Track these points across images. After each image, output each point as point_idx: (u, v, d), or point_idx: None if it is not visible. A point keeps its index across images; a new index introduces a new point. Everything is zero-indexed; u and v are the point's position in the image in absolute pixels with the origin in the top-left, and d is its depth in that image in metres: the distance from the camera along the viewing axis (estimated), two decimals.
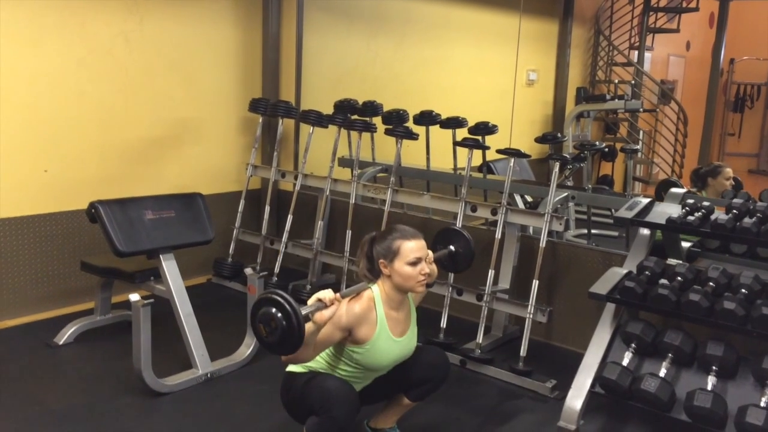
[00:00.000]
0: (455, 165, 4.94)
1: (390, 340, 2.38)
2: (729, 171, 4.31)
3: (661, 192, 4.27)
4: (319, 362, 2.42)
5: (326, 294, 2.15)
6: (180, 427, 2.93)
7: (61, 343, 3.67)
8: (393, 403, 2.67)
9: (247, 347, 3.54)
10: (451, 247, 2.72)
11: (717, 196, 4.27)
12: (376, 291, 2.38)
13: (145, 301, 2.99)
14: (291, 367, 2.46)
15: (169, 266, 3.41)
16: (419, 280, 2.33)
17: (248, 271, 3.52)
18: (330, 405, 2.23)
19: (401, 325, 2.43)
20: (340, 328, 2.26)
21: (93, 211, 3.27)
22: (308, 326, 2.11)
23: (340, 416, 2.23)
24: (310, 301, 2.16)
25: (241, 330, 3.60)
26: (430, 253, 2.43)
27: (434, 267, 2.50)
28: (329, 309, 2.13)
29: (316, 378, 2.36)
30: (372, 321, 2.33)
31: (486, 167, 5.05)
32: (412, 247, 2.32)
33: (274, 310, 2.04)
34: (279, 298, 2.04)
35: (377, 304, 2.36)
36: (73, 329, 3.71)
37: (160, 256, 3.39)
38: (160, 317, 3.28)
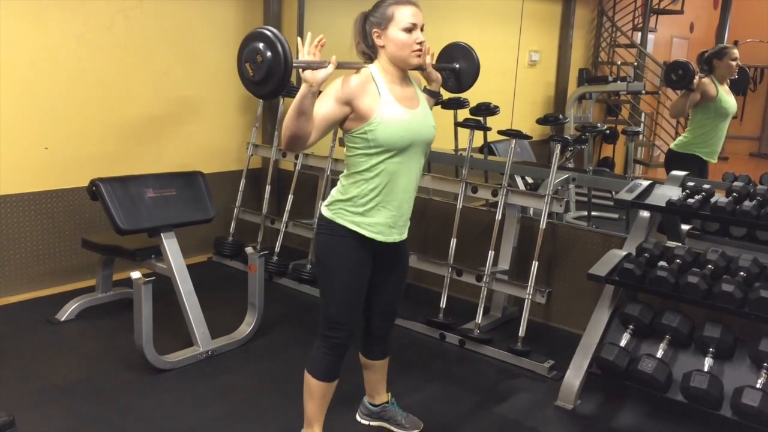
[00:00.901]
0: (456, 146, 4.94)
1: (398, 108, 2.22)
2: (735, 52, 4.22)
3: (670, 75, 4.24)
4: (348, 189, 2.30)
5: (315, 40, 2.06)
6: (180, 404, 2.96)
7: (62, 319, 3.69)
8: (370, 373, 2.70)
9: (248, 325, 3.56)
10: (456, 65, 2.63)
11: (724, 79, 4.24)
12: (374, 68, 2.28)
13: (147, 279, 3.01)
14: (324, 211, 2.36)
15: (170, 244, 3.42)
16: (414, 49, 2.24)
17: (249, 250, 3.54)
18: (334, 325, 2.34)
19: (409, 101, 2.29)
20: (337, 99, 2.14)
21: (94, 188, 3.28)
22: (301, 90, 2.02)
23: (342, 336, 2.35)
24: (301, 56, 2.05)
25: (242, 308, 3.62)
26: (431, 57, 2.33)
27: (438, 75, 2.43)
28: (322, 70, 2.02)
29: (339, 278, 2.31)
30: (373, 92, 2.20)
31: (487, 148, 5.05)
32: (407, 12, 2.22)
33: (260, 45, 1.95)
34: (265, 31, 1.95)
35: (376, 77, 2.24)
36: (74, 306, 3.74)
37: (161, 234, 3.39)
38: (161, 295, 3.30)
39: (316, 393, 2.43)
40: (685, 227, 3.42)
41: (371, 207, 2.29)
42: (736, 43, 10.65)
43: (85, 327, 3.66)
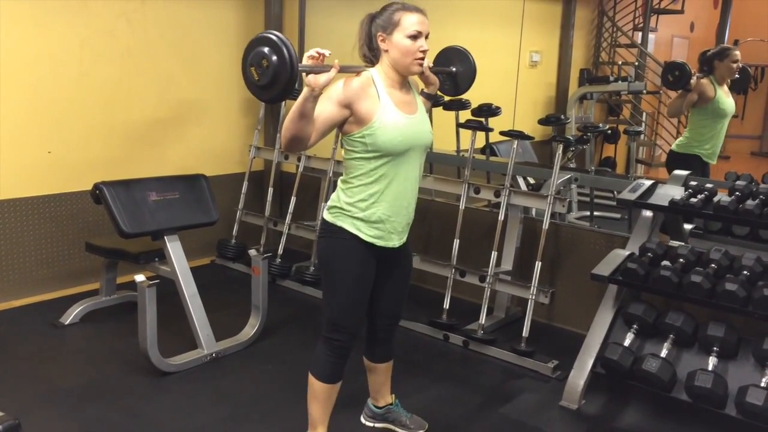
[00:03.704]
0: (458, 147, 4.95)
1: (397, 113, 2.24)
2: (736, 53, 4.22)
3: (667, 76, 4.24)
4: (347, 193, 2.32)
5: (318, 49, 2.05)
6: (185, 406, 2.96)
7: (66, 323, 3.69)
8: (374, 376, 2.70)
9: (252, 328, 3.57)
10: (453, 69, 2.63)
11: (724, 80, 4.25)
12: (375, 71, 2.28)
13: (151, 282, 3.01)
14: (326, 214, 2.38)
15: (174, 247, 3.42)
16: (417, 56, 2.25)
17: (252, 252, 3.54)
18: (336, 328, 2.35)
19: (407, 106, 2.31)
20: (338, 102, 2.16)
21: (98, 192, 3.28)
22: (303, 93, 2.04)
23: (344, 339, 2.36)
24: (304, 60, 2.06)
25: (245, 311, 3.62)
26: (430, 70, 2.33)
27: (435, 78, 2.44)
28: (325, 75, 2.04)
29: (341, 280, 2.33)
30: (372, 96, 2.22)
31: (489, 149, 5.06)
32: (414, 19, 2.22)
33: (266, 49, 1.96)
34: (271, 36, 1.96)
35: (376, 81, 2.25)
36: (78, 309, 3.74)
37: (165, 237, 3.40)
38: (165, 298, 3.30)
39: (320, 395, 2.44)
40: (687, 226, 3.42)
41: (371, 212, 2.30)
42: (736, 42, 10.66)
43: (90, 330, 3.67)
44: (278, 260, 4.49)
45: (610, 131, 7.57)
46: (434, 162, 4.84)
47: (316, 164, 4.53)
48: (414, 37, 2.22)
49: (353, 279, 2.35)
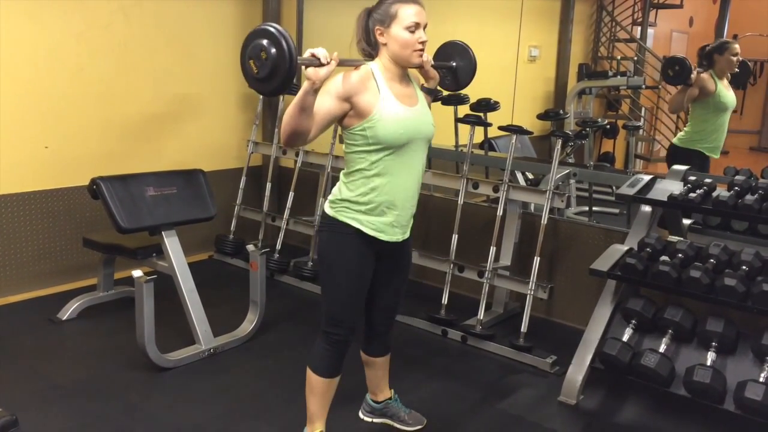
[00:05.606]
0: (457, 142, 4.93)
1: (397, 105, 2.23)
2: (736, 47, 4.23)
3: (667, 71, 4.24)
4: (349, 187, 2.29)
5: (321, 50, 2.03)
6: (183, 402, 2.96)
7: (64, 318, 3.69)
8: (371, 370, 2.69)
9: (250, 323, 3.56)
10: (453, 63, 2.63)
11: (723, 74, 4.25)
12: (374, 65, 2.27)
13: (148, 278, 3.00)
14: (327, 208, 2.35)
15: (171, 243, 3.41)
16: (416, 48, 2.24)
17: (250, 247, 3.54)
18: (335, 322, 2.34)
19: (408, 98, 2.30)
20: (337, 96, 2.15)
21: (95, 187, 3.27)
22: (304, 87, 2.02)
23: (343, 333, 2.36)
24: (305, 55, 2.03)
25: (244, 306, 3.62)
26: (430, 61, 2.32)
27: (435, 73, 2.43)
28: (325, 68, 1.99)
29: (341, 276, 2.31)
30: (372, 89, 2.21)
31: (488, 144, 5.04)
32: (411, 11, 2.21)
33: (265, 41, 1.93)
34: (270, 28, 1.93)
35: (376, 74, 2.24)
36: (76, 305, 3.73)
37: (162, 232, 3.39)
38: (163, 293, 3.29)
39: (317, 389, 2.43)
40: (686, 221, 3.41)
41: (373, 206, 2.28)
42: (735, 37, 10.64)
43: (87, 326, 3.66)
44: (276, 255, 4.48)
45: (609, 126, 7.57)
46: (433, 157, 4.81)
47: (315, 159, 4.52)
48: (412, 29, 2.21)
49: (353, 274, 2.34)
